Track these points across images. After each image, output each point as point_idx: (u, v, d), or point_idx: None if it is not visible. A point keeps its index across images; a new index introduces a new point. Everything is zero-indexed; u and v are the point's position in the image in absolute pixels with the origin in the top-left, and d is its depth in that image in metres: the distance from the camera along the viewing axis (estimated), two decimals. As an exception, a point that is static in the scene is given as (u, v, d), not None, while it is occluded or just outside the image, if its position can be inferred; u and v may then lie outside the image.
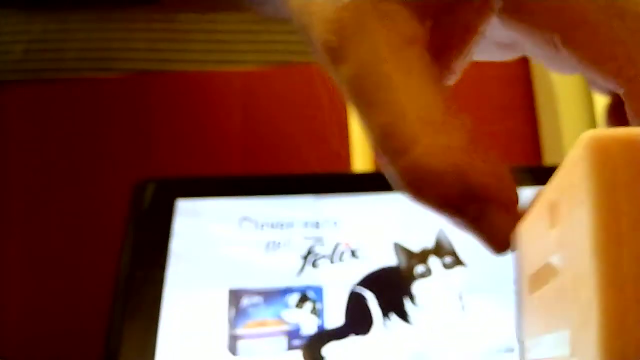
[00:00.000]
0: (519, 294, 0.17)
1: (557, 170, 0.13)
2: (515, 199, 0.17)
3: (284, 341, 0.40)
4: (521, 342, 0.17)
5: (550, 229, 0.13)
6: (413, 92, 0.16)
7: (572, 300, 0.12)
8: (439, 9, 0.18)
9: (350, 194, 0.45)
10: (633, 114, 0.16)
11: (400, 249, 0.43)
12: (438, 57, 0.18)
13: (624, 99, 0.17)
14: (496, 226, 0.17)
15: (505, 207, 0.17)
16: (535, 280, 0.15)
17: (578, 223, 0.11)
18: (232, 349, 0.39)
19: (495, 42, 0.21)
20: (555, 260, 0.13)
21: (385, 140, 0.17)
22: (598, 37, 0.17)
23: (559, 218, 0.12)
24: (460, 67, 0.20)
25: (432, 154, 0.16)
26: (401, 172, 0.16)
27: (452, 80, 0.20)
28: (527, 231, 0.16)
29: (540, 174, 0.20)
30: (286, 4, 0.19)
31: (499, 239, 0.17)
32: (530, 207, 0.16)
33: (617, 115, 0.21)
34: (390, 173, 0.17)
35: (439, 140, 0.16)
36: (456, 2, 0.18)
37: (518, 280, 0.17)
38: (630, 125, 0.16)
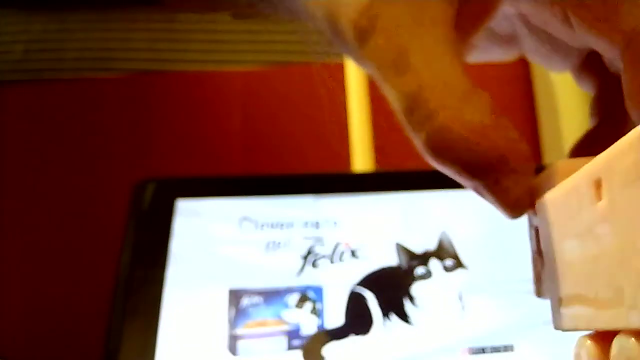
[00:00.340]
0: (546, 256, 0.18)
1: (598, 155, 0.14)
2: (531, 166, 0.18)
3: (284, 341, 0.40)
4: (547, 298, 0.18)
5: (595, 203, 0.14)
6: (439, 65, 0.18)
7: (625, 267, 0.13)
8: None
9: (350, 194, 0.45)
10: (629, 87, 0.17)
11: (401, 249, 0.43)
12: (460, 33, 0.19)
13: (622, 70, 0.17)
14: (513, 192, 0.18)
15: (523, 174, 0.18)
16: (573, 246, 0.16)
17: (632, 198, 0.12)
18: (232, 349, 0.39)
19: (497, 36, 0.22)
20: (601, 230, 0.14)
21: (411, 107, 0.18)
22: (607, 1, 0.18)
23: (605, 193, 0.13)
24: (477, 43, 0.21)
25: (456, 121, 0.17)
26: (425, 137, 0.18)
27: (469, 57, 0.21)
28: (559, 202, 0.17)
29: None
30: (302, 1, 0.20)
31: (515, 204, 0.18)
32: (552, 180, 0.17)
33: (602, 106, 0.22)
34: (414, 139, 0.18)
35: (462, 108, 0.17)
36: None
37: (545, 246, 0.18)
38: (625, 100, 0.17)
